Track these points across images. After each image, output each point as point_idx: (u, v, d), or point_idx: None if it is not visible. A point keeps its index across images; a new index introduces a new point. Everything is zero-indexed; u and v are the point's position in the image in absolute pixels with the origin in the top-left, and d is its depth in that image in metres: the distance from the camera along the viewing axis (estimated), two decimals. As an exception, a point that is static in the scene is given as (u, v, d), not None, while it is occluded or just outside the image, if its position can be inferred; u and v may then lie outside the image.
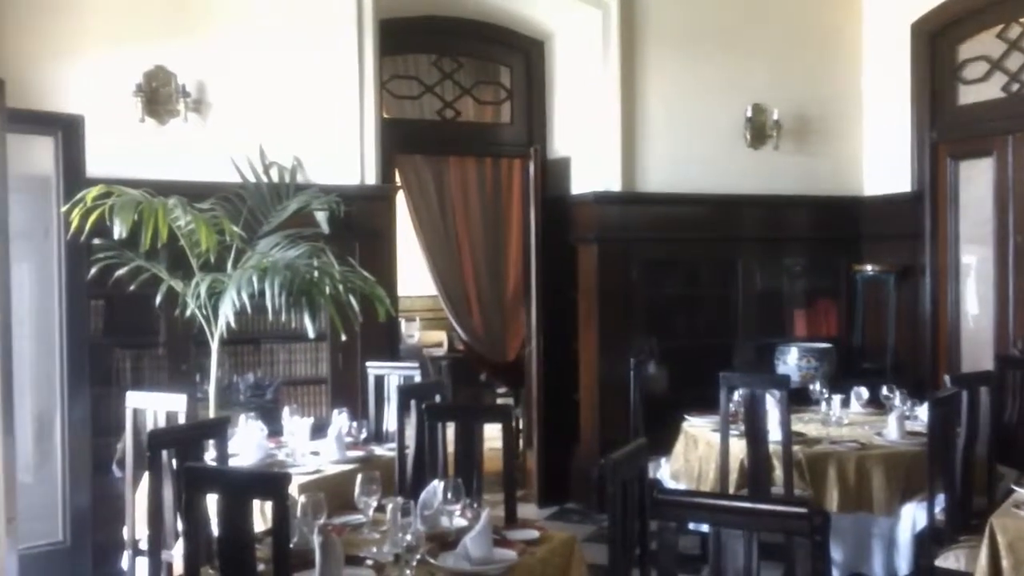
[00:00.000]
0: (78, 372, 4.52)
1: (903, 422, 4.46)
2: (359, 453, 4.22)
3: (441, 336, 9.31)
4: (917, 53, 6.32)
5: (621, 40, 6.07)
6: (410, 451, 4.10)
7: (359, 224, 5.44)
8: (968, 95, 6.15)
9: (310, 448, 4.20)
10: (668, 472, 4.93)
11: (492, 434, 3.71)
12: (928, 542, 3.91)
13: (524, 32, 6.53)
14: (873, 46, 6.64)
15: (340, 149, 5.50)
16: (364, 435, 4.47)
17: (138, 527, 3.94)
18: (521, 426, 6.96)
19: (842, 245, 6.68)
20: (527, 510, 5.74)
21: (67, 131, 4.51)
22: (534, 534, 3.04)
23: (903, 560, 4.22)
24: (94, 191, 3.95)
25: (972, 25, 6.10)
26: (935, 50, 6.27)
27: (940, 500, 3.87)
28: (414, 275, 8.04)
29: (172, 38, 5.18)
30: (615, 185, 6.08)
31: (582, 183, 6.28)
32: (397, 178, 6.60)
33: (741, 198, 6.34)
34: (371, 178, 5.57)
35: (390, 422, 4.79)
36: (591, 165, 6.21)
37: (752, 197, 6.36)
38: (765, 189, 6.39)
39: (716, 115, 6.31)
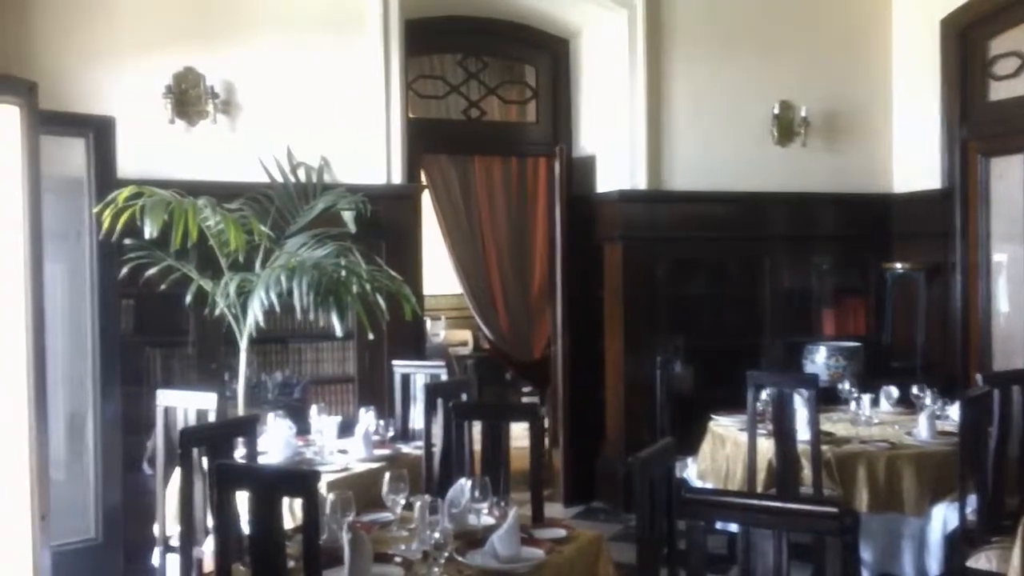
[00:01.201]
0: (110, 371, 4.56)
1: (934, 421, 4.42)
2: (386, 451, 4.24)
3: (466, 335, 9.34)
4: (947, 49, 6.25)
5: (647, 38, 6.05)
6: (437, 449, 4.12)
7: (385, 223, 5.46)
8: (999, 91, 6.08)
9: (338, 446, 4.23)
10: (695, 471, 4.91)
11: (517, 433, 3.71)
12: (959, 543, 3.86)
13: (549, 31, 6.52)
14: (902, 42, 6.57)
15: (366, 149, 5.53)
16: (391, 433, 4.49)
17: (169, 524, 3.99)
18: (547, 425, 6.96)
19: (871, 243, 6.61)
20: (553, 509, 5.73)
21: (99, 132, 4.55)
22: (562, 533, 3.05)
23: (934, 561, 4.17)
24: (125, 192, 3.99)
25: (1003, 20, 6.03)
26: (965, 46, 6.20)
27: (971, 500, 3.83)
28: (440, 274, 8.06)
29: (201, 40, 5.23)
30: (641, 183, 6.06)
31: (608, 182, 6.27)
32: (423, 178, 6.61)
33: (768, 196, 6.30)
34: (397, 178, 5.60)
35: (417, 420, 4.81)
36: (617, 163, 6.19)
37: (779, 195, 6.32)
38: (793, 187, 6.34)
39: (743, 112, 6.27)
